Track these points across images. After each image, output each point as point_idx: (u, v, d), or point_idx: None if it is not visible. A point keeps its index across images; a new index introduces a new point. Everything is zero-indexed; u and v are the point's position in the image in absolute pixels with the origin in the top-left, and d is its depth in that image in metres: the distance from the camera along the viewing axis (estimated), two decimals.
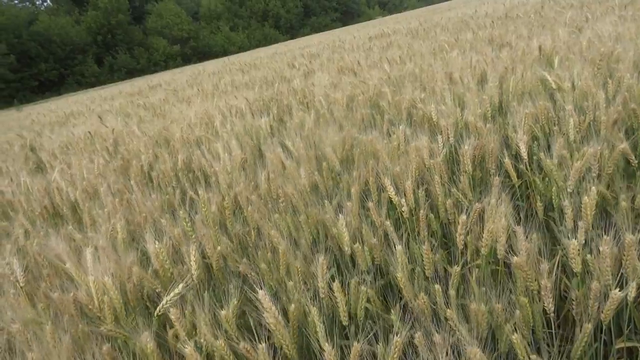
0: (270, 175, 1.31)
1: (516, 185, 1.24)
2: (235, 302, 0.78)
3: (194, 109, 3.15)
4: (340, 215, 0.92)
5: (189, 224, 1.03)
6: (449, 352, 0.67)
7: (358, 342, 0.69)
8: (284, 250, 0.90)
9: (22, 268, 1.00)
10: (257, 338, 0.71)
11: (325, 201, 1.11)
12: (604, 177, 1.11)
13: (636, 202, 1.00)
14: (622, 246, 0.83)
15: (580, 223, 0.90)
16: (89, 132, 2.84)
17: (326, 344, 0.66)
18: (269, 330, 0.73)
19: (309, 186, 1.24)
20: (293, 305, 0.74)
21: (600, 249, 0.78)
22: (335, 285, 0.76)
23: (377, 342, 0.70)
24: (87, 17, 34.87)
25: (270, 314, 0.69)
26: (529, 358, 0.69)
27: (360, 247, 0.92)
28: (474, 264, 1.04)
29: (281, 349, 0.74)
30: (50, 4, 39.17)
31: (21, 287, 0.97)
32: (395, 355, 0.67)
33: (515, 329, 0.78)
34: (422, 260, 0.93)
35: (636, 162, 1.16)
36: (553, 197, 1.20)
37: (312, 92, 2.80)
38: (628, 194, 1.03)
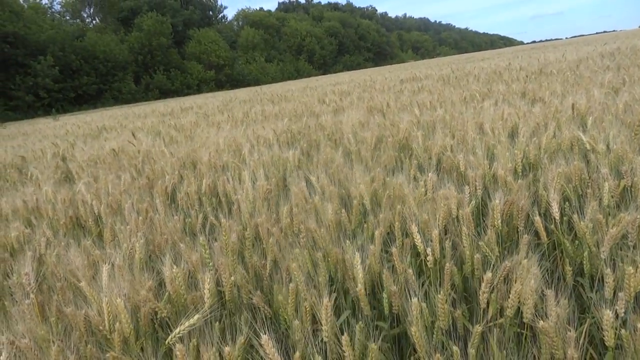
0: (294, 209, 1.30)
1: (545, 246, 1.20)
2: (242, 341, 0.76)
3: (223, 134, 3.20)
4: (357, 253, 0.90)
5: (207, 251, 1.02)
6: None
7: None
8: (293, 288, 0.88)
9: (37, 278, 0.99)
10: None
11: (347, 241, 1.09)
12: None
13: None
14: None
15: (620, 294, 0.85)
16: (114, 149, 2.91)
17: None
18: None
19: (333, 223, 1.22)
20: (297, 353, 0.71)
21: (639, 325, 0.73)
22: (344, 339, 0.73)
23: None
24: (131, 37, 36.54)
25: None
26: None
27: (362, 290, 0.88)
28: (496, 322, 0.99)
29: None
30: (99, 22, 41.26)
31: (34, 298, 0.96)
32: None
33: None
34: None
35: None
36: (584, 262, 1.15)
37: (341, 129, 2.82)
38: None
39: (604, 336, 0.78)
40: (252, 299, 1.02)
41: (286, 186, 1.90)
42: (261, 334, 0.70)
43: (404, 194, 1.34)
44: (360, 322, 0.83)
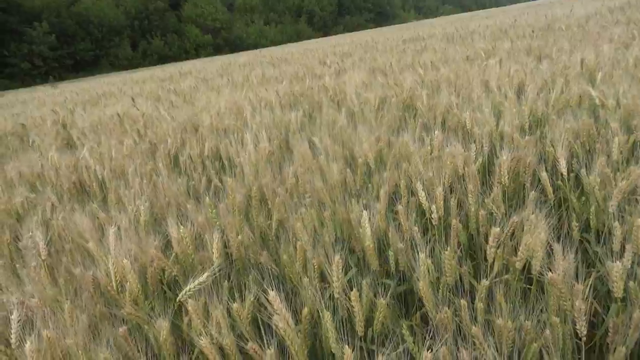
0: (299, 170, 1.29)
1: (551, 203, 1.19)
2: (252, 299, 0.76)
3: (223, 98, 3.15)
4: (364, 212, 0.89)
5: (213, 211, 1.02)
6: None
7: (382, 354, 0.66)
8: (302, 245, 0.88)
9: (45, 241, 1.00)
10: (272, 334, 0.69)
11: (353, 200, 1.08)
12: None
13: None
14: None
15: (628, 246, 0.85)
16: (118, 114, 2.88)
17: (346, 346, 0.63)
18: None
19: (338, 183, 1.21)
20: (306, 309, 0.72)
21: None
22: (353, 294, 0.73)
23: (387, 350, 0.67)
24: (126, 1, 35.56)
25: (281, 317, 0.66)
26: None
27: (372, 246, 0.88)
28: (502, 278, 1.00)
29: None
30: None
31: (43, 260, 0.97)
32: None
33: (546, 352, 0.74)
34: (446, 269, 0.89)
35: None
36: (591, 217, 1.14)
37: (344, 90, 2.77)
38: None
39: (612, 288, 0.78)
40: (259, 259, 1.02)
41: (289, 148, 1.88)
42: (269, 291, 0.70)
43: (409, 153, 1.32)
44: (367, 278, 0.84)
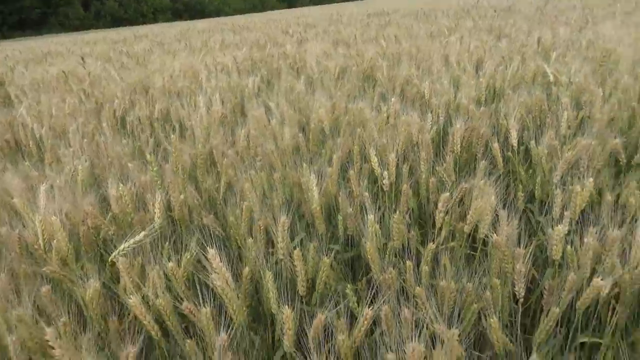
0: (251, 132, 1.24)
1: (501, 173, 1.21)
2: (189, 257, 0.73)
3: (179, 61, 3.01)
4: (312, 175, 0.86)
5: (156, 170, 0.96)
6: (414, 328, 0.63)
7: (322, 313, 0.65)
8: (248, 205, 0.84)
9: None
10: (211, 296, 0.65)
11: (304, 164, 1.05)
12: (592, 173, 1.08)
13: (621, 199, 0.98)
14: (604, 241, 0.80)
15: (566, 213, 0.87)
16: (64, 72, 2.69)
17: (286, 307, 0.61)
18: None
19: (290, 148, 1.18)
20: (247, 268, 0.69)
21: (585, 240, 0.75)
22: (296, 253, 0.71)
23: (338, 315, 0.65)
24: None
25: (219, 275, 0.63)
26: (499, 339, 0.65)
27: (318, 208, 0.86)
28: (449, 245, 1.00)
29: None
30: None
31: None
32: (363, 329, 0.63)
33: (484, 314, 0.75)
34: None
35: (625, 161, 1.14)
36: (536, 187, 1.17)
37: (304, 59, 2.70)
38: (614, 191, 1.00)
39: (550, 251, 0.80)
40: (202, 219, 0.98)
41: (244, 113, 1.82)
42: (208, 249, 0.66)
43: (365, 119, 1.30)
44: (314, 242, 0.82)
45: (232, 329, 0.59)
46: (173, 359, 0.73)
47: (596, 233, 0.76)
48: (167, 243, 0.90)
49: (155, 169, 0.93)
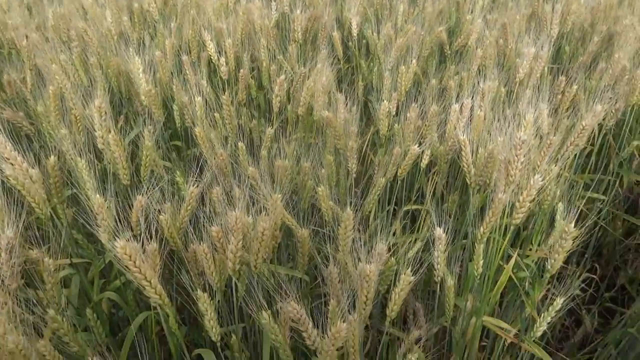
0: (65, 13, 1.04)
1: (341, 61, 1.23)
2: None
3: None
4: (137, 57, 0.76)
5: None
6: (249, 205, 0.63)
7: (142, 195, 0.60)
8: (55, 90, 0.72)
9: None
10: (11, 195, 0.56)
11: (131, 48, 0.93)
12: (421, 59, 1.16)
13: (443, 81, 1.07)
14: (426, 117, 0.88)
15: (394, 94, 0.92)
16: None
17: (97, 195, 0.55)
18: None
19: (113, 32, 1.02)
20: (52, 157, 0.60)
21: (408, 114, 0.80)
22: (112, 136, 0.63)
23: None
24: None
25: (14, 165, 0.54)
26: (327, 206, 0.69)
27: (154, 92, 0.78)
28: (291, 133, 1.01)
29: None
30: None
31: None
32: (190, 207, 0.60)
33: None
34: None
35: (449, 51, 1.23)
36: (373, 78, 1.22)
37: None
38: (437, 74, 1.09)
39: (379, 128, 0.85)
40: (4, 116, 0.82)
41: None
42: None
43: (204, 4, 1.18)
44: (148, 128, 0.74)
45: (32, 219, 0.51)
46: None
47: (418, 108, 0.82)
48: None
49: None
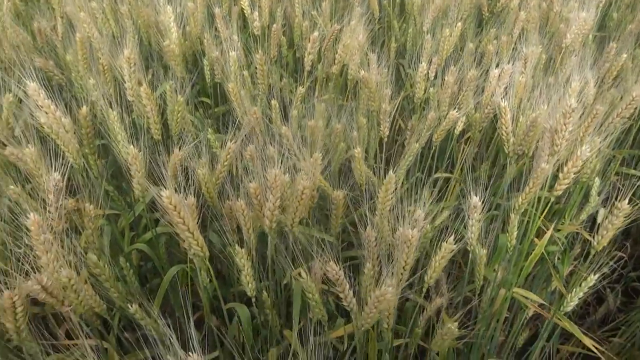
0: None
1: (376, 20, 1.18)
2: (10, 98, 0.60)
3: None
4: (168, 6, 0.74)
5: None
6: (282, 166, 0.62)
7: (180, 149, 0.59)
8: (82, 38, 0.71)
9: None
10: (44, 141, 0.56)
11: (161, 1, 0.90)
12: (459, 21, 1.10)
13: (481, 46, 1.03)
14: (463, 82, 0.84)
15: (434, 59, 0.88)
16: None
17: (132, 147, 0.54)
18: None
19: None
20: (84, 108, 0.59)
21: (446, 78, 0.77)
22: (143, 89, 0.62)
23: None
24: None
25: (48, 113, 0.53)
26: (361, 168, 0.67)
27: (187, 44, 0.76)
28: (320, 93, 0.99)
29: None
30: None
31: None
32: (226, 163, 0.60)
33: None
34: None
35: (487, 13, 1.18)
36: (408, 40, 1.18)
37: None
38: (476, 39, 1.04)
39: (415, 92, 0.82)
40: (35, 63, 0.81)
41: None
42: (29, 83, 0.55)
43: None
44: (171, 82, 0.73)
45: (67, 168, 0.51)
46: None
47: (457, 72, 0.79)
48: None
49: None
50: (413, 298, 0.71)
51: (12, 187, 0.52)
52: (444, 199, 0.91)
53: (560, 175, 0.59)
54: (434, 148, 0.82)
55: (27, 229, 0.43)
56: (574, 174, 0.58)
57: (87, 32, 0.74)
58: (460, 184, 0.97)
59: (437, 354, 0.65)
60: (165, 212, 0.44)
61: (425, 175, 0.97)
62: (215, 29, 0.99)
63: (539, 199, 0.65)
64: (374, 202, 0.62)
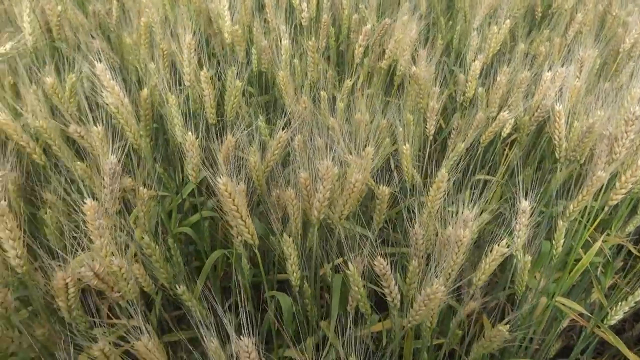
0: None
1: (423, 15, 1.17)
2: (74, 78, 0.62)
3: None
4: None
5: None
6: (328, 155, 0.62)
7: (233, 135, 0.60)
8: (146, 22, 0.72)
9: None
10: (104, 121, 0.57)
11: None
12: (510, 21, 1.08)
13: (532, 47, 1.00)
14: (513, 83, 0.82)
15: (480, 56, 0.87)
16: None
17: (189, 133, 0.55)
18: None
19: None
20: (145, 90, 0.61)
21: (498, 78, 0.75)
22: (203, 73, 0.63)
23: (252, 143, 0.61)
24: None
25: (112, 93, 0.54)
26: (408, 165, 0.67)
27: (240, 32, 0.77)
28: (364, 87, 0.98)
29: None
30: None
31: None
32: (277, 152, 0.60)
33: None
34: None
35: (540, 15, 1.14)
36: (454, 36, 1.16)
37: None
38: (527, 39, 1.02)
39: (464, 90, 0.80)
40: (93, 45, 0.84)
41: None
42: (96, 64, 0.56)
43: None
44: (232, 68, 0.73)
45: (126, 150, 0.52)
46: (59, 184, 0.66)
47: (509, 73, 0.77)
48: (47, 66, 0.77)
49: None
50: (450, 302, 0.70)
51: (78, 163, 0.54)
52: (486, 201, 0.90)
53: (617, 184, 0.57)
54: (480, 149, 0.80)
55: (82, 212, 0.44)
56: (632, 184, 0.56)
57: (149, 17, 0.76)
58: (501, 187, 0.95)
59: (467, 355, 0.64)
60: (221, 198, 0.45)
61: (466, 176, 0.95)
62: (264, 20, 1.00)
63: (586, 207, 0.64)
64: (412, 200, 0.61)
